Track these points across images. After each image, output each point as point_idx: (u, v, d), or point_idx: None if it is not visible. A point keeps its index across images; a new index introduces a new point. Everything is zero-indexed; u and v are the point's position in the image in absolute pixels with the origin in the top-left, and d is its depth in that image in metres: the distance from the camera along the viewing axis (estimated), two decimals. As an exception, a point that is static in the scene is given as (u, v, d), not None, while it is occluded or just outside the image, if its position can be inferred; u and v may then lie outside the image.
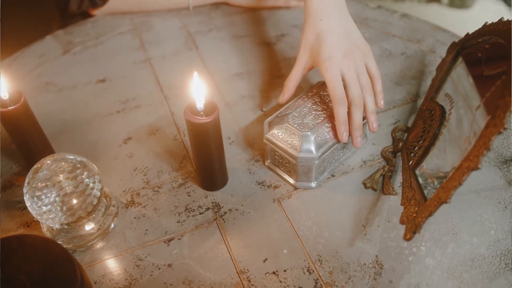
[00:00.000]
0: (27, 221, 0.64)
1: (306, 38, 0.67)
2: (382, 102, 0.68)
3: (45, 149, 0.68)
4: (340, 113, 0.62)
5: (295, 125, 0.63)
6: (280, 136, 0.64)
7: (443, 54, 0.85)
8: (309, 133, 0.62)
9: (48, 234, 0.61)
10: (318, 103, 0.67)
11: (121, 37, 0.95)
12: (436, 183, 0.61)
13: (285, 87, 0.70)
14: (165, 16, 1.00)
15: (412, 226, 0.51)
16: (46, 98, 0.82)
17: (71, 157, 0.58)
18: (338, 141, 0.64)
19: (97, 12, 1.00)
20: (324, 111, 0.65)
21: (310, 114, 0.65)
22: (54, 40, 0.95)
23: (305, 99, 0.67)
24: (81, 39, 0.95)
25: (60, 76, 0.87)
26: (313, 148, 0.62)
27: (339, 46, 0.64)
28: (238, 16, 0.99)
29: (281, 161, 0.65)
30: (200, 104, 0.57)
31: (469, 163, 0.48)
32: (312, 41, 0.66)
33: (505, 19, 0.63)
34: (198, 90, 0.56)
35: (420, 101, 0.78)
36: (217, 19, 0.99)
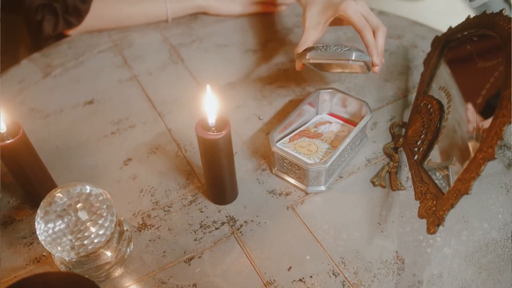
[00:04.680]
0: (36, 257, 0.61)
1: (311, 11, 0.72)
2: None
3: (46, 180, 0.65)
4: (370, 37, 0.67)
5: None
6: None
7: (425, 48, 0.88)
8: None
9: (62, 268, 0.59)
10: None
11: (102, 56, 0.93)
12: (438, 174, 0.63)
13: (296, 56, 0.71)
14: (144, 31, 0.98)
15: (434, 219, 0.52)
16: (33, 125, 0.79)
17: (81, 186, 0.56)
18: (373, 70, 0.68)
19: (73, 31, 0.97)
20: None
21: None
22: (31, 64, 0.92)
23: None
24: (60, 60, 0.92)
25: (45, 101, 0.84)
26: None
27: None
28: (219, 25, 0.99)
29: (290, 167, 0.66)
30: (211, 120, 0.56)
31: (484, 154, 0.50)
32: (318, 7, 0.72)
33: (489, 12, 0.66)
34: (210, 105, 0.56)
35: (411, 96, 0.80)
36: (198, 30, 0.98)
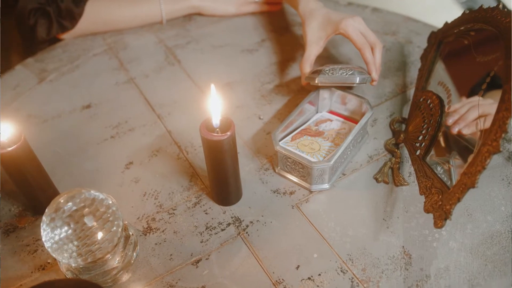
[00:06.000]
0: (41, 264, 0.61)
1: (312, 25, 0.76)
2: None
3: (48, 187, 0.64)
4: (369, 55, 0.72)
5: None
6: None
7: (420, 44, 0.89)
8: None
9: (68, 274, 0.59)
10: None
11: (97, 59, 0.92)
12: (440, 169, 0.64)
13: (301, 71, 0.76)
14: (138, 33, 0.98)
15: (441, 213, 0.53)
16: (31, 131, 0.78)
17: (86, 191, 0.56)
18: (371, 84, 0.74)
19: (66, 35, 0.96)
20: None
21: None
22: (26, 69, 0.90)
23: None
24: (55, 65, 0.91)
25: (41, 107, 0.83)
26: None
27: (343, 14, 0.75)
28: (214, 25, 0.99)
29: (294, 166, 0.66)
30: (216, 121, 0.56)
31: (489, 148, 0.50)
32: (318, 22, 0.76)
33: (479, 7, 0.67)
34: (215, 106, 0.56)
35: (409, 91, 0.81)
36: (193, 31, 0.97)
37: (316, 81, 0.70)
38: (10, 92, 0.86)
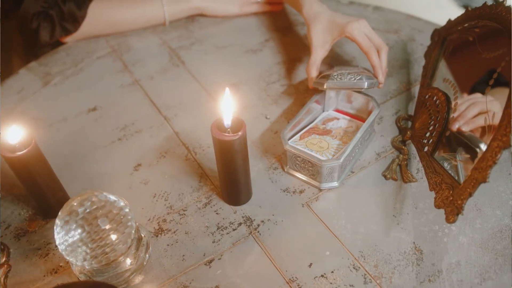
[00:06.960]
0: (53, 268, 0.61)
1: (317, 29, 0.76)
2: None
3: (59, 191, 0.64)
4: (375, 59, 0.73)
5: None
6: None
7: (423, 41, 0.90)
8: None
9: (82, 277, 0.59)
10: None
11: (101, 62, 0.92)
12: (447, 165, 0.64)
13: (308, 75, 0.77)
14: (141, 35, 0.98)
15: (453, 209, 0.53)
16: (37, 135, 0.76)
17: (98, 194, 0.56)
18: (378, 87, 0.74)
19: (69, 38, 0.96)
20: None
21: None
22: (30, 73, 0.90)
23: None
24: (59, 68, 0.91)
25: (46, 110, 0.83)
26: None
27: (348, 17, 0.76)
28: (216, 26, 0.99)
29: (303, 165, 0.66)
30: (227, 121, 0.57)
31: (499, 143, 0.51)
32: (323, 25, 0.76)
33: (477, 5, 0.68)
34: (227, 107, 0.56)
35: (413, 89, 0.81)
36: (196, 32, 0.98)
37: (325, 86, 0.70)
38: (15, 96, 0.86)
